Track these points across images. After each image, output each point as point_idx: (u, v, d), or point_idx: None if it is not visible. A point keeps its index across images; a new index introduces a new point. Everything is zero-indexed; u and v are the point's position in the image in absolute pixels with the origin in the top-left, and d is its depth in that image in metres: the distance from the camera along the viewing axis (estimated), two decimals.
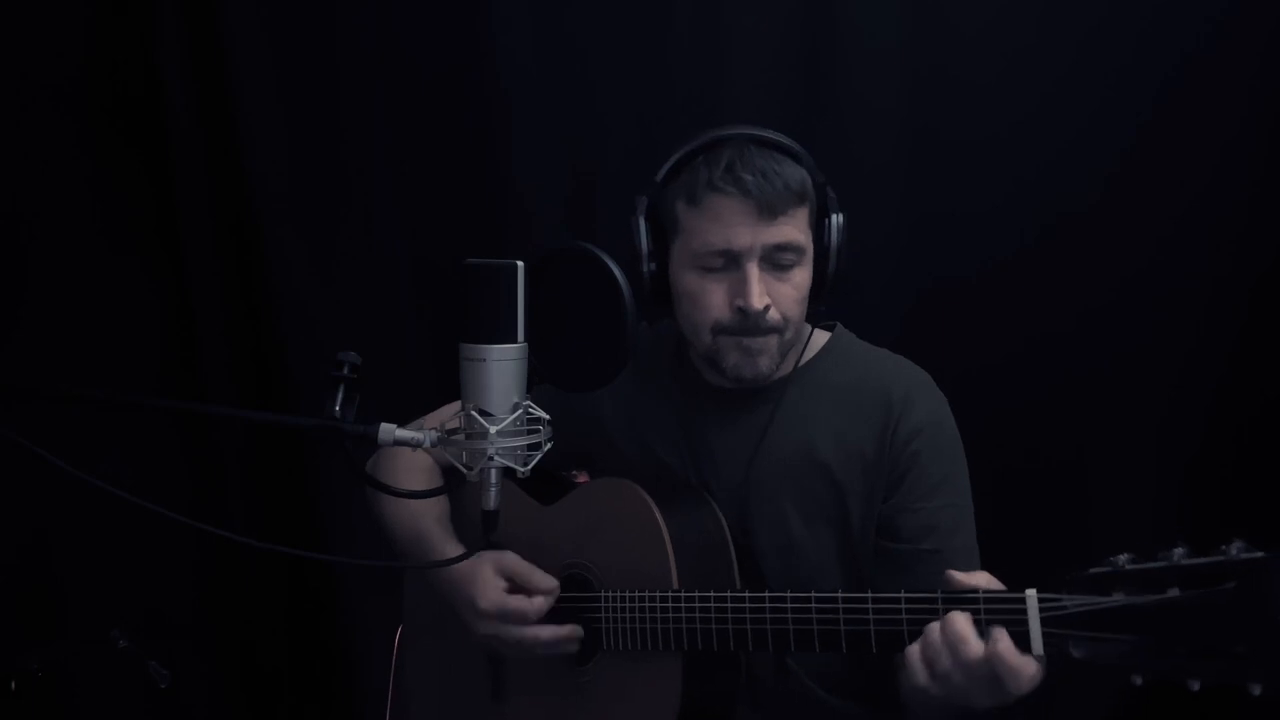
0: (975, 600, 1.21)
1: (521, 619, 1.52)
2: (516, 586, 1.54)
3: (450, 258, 1.32)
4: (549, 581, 1.54)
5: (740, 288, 1.47)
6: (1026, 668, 1.17)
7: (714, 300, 1.49)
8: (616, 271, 1.41)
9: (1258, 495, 1.95)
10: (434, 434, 1.16)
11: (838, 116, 2.10)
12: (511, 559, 1.55)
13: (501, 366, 1.17)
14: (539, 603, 1.52)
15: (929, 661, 1.22)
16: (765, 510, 1.55)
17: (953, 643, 1.20)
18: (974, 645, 1.19)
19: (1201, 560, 1.07)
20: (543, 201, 2.25)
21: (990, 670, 1.18)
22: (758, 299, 1.46)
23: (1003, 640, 1.18)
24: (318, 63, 2.27)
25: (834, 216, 1.52)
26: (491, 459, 1.16)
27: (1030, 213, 2.04)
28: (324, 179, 2.31)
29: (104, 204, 2.32)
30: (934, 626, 1.22)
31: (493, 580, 1.54)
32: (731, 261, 1.47)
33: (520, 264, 1.18)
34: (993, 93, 2.04)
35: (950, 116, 2.07)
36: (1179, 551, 1.08)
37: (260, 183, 2.27)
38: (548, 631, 1.52)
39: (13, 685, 1.99)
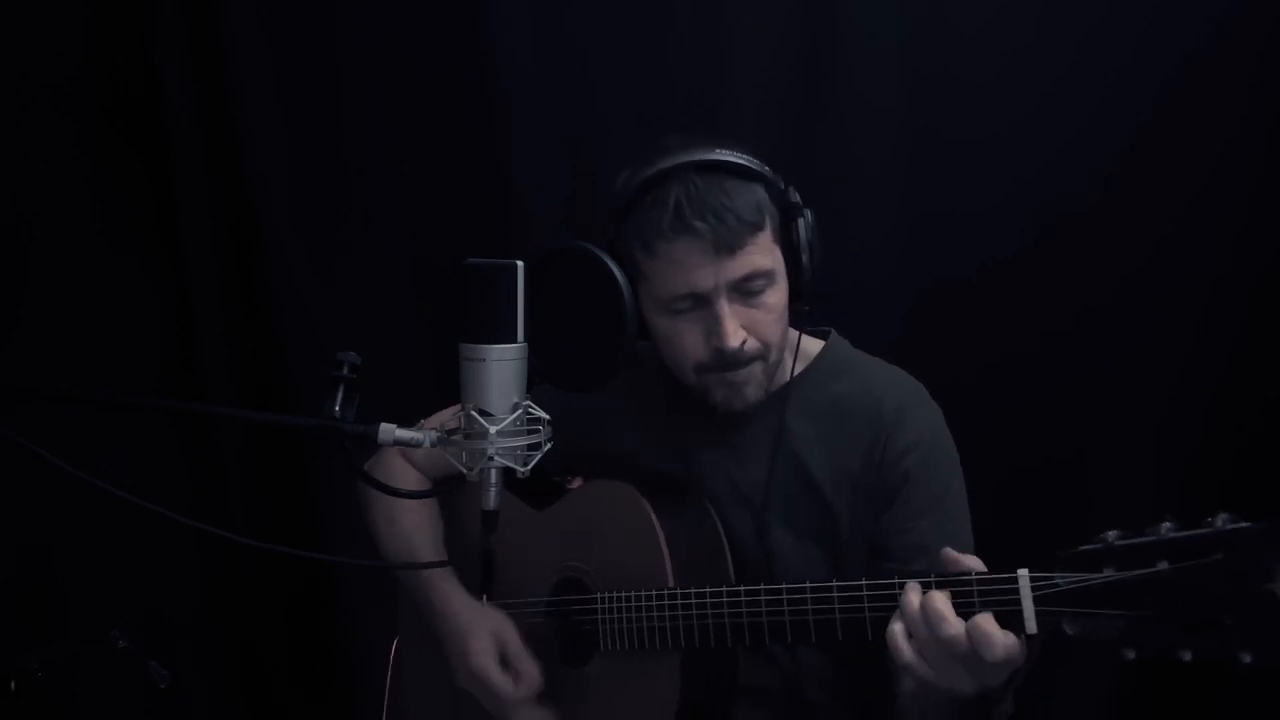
0: (968, 581, 1.21)
1: (500, 698, 1.55)
2: (505, 658, 1.57)
3: (450, 258, 1.32)
4: (533, 672, 1.55)
5: (714, 328, 1.44)
6: (1003, 637, 1.16)
7: (689, 342, 1.47)
8: (616, 272, 1.42)
9: (1258, 496, 1.95)
10: (434, 434, 1.16)
11: (838, 116, 2.10)
12: (511, 633, 1.57)
13: (501, 366, 1.17)
14: (520, 691, 1.55)
15: (913, 631, 1.21)
16: (754, 526, 1.54)
17: (933, 621, 1.19)
18: (953, 623, 1.18)
19: (1189, 533, 1.08)
20: (543, 201, 2.24)
21: (969, 646, 1.17)
22: (733, 338, 1.43)
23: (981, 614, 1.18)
24: (318, 63, 2.27)
25: (800, 219, 1.48)
26: (491, 459, 1.16)
27: (1030, 213, 2.04)
28: (324, 179, 2.31)
29: (104, 204, 2.32)
30: (913, 599, 1.21)
31: (488, 643, 1.56)
32: (699, 302, 1.44)
33: (520, 264, 1.18)
34: (993, 93, 2.04)
35: (950, 116, 2.07)
36: (1167, 525, 1.09)
37: (260, 183, 2.27)
38: (523, 718, 1.55)
39: (13, 685, 1.99)
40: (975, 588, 1.20)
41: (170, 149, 2.27)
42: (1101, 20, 1.99)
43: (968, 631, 1.18)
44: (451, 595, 1.61)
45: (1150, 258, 2.01)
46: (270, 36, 2.24)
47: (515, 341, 1.18)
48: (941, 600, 1.20)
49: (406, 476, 1.73)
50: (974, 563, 1.25)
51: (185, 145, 2.27)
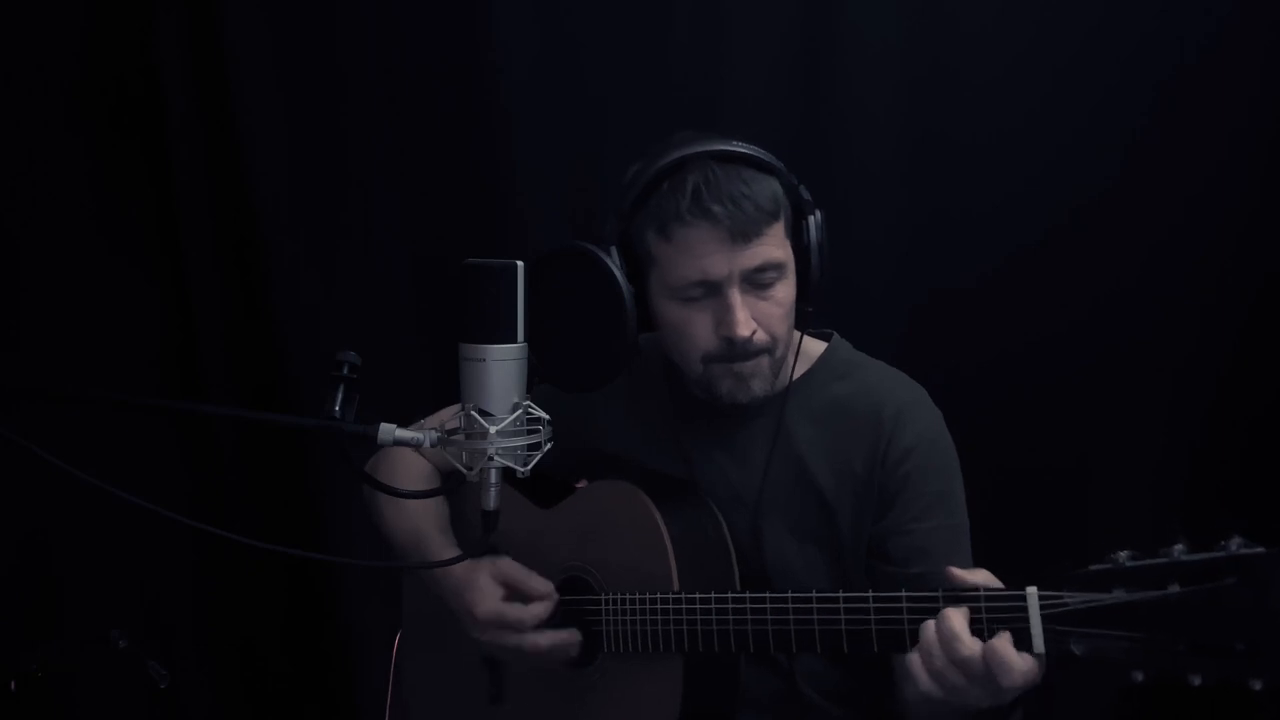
0: (976, 598, 1.21)
1: (519, 626, 1.50)
2: (513, 592, 1.53)
3: (450, 258, 1.32)
4: (545, 586, 1.52)
5: (724, 316, 1.43)
6: (1022, 662, 1.16)
7: (699, 331, 1.46)
8: (616, 271, 1.42)
9: (1260, 497, 1.95)
10: (434, 434, 1.16)
11: (838, 117, 2.10)
12: (507, 564, 1.54)
13: (501, 366, 1.17)
14: (536, 610, 1.51)
15: (925, 658, 1.21)
16: (757, 528, 1.53)
17: (946, 640, 1.19)
18: (968, 643, 1.18)
19: (1201, 556, 1.07)
20: (543, 201, 2.24)
21: (985, 668, 1.17)
22: (744, 327, 1.43)
23: (998, 636, 1.17)
24: (318, 62, 2.27)
25: (810, 218, 1.47)
26: (491, 459, 1.16)
27: (1033, 211, 2.04)
28: (324, 179, 2.31)
29: (104, 204, 2.32)
30: (929, 624, 1.22)
31: (489, 587, 1.53)
32: (711, 290, 1.44)
33: (520, 264, 1.18)
34: (994, 92, 2.04)
35: (951, 116, 2.06)
36: (1179, 548, 1.08)
37: (260, 183, 2.27)
38: (546, 638, 1.51)
39: (13, 685, 1.99)
40: (984, 605, 1.20)
41: (170, 149, 2.27)
42: (1102, 20, 1.99)
43: (984, 656, 1.17)
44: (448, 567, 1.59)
45: (1154, 256, 2.01)
46: (270, 36, 2.24)
47: (515, 341, 1.18)
48: (958, 619, 1.19)
49: (415, 465, 1.73)
50: (983, 577, 1.24)
51: (185, 145, 2.27)
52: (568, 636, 1.51)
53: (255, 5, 2.23)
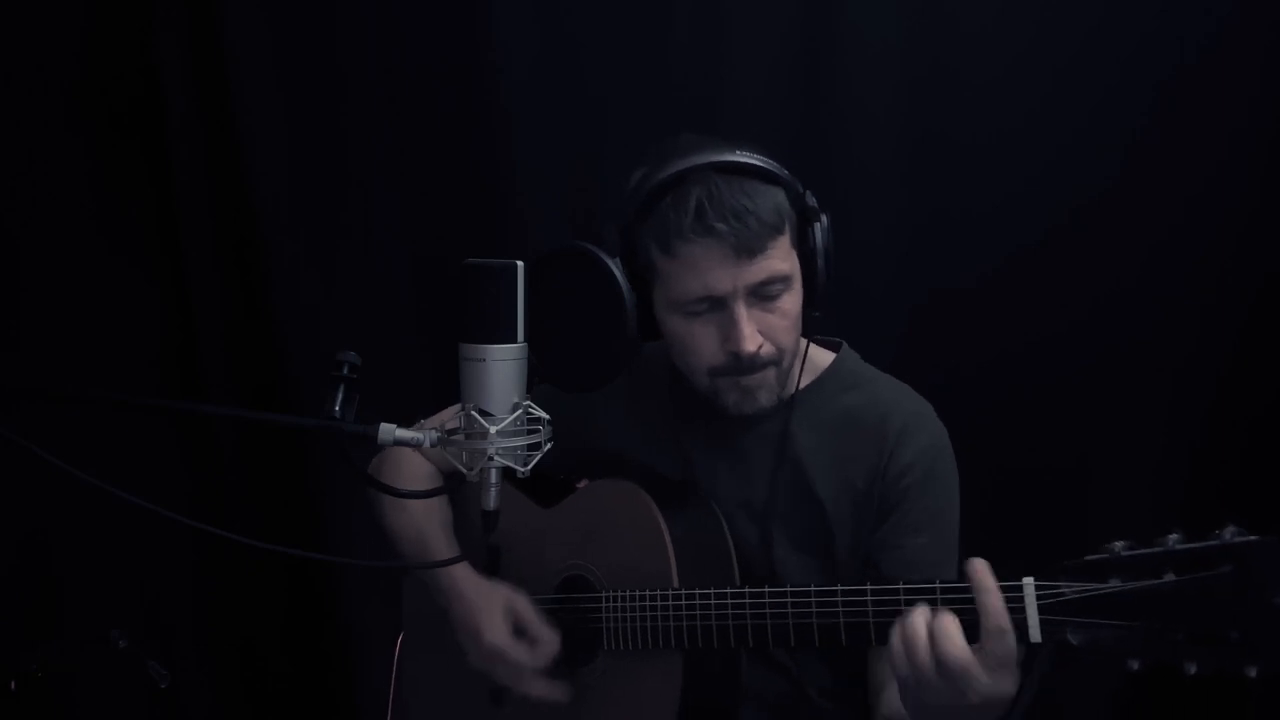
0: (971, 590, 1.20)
1: (518, 668, 1.53)
2: (520, 631, 1.54)
3: (450, 258, 1.32)
4: (550, 637, 1.53)
5: (730, 331, 1.42)
6: (957, 632, 1.14)
7: (704, 346, 1.45)
8: (617, 272, 1.42)
9: (1260, 497, 1.95)
10: (434, 434, 1.16)
11: (838, 117, 2.10)
12: (522, 604, 1.55)
13: (501, 366, 1.17)
14: (538, 656, 1.52)
15: (910, 652, 1.18)
16: (756, 531, 1.53)
17: (909, 642, 1.17)
18: (957, 641, 1.15)
19: (1196, 545, 1.07)
20: (543, 201, 2.24)
21: (960, 668, 1.14)
22: (750, 342, 1.42)
23: (948, 641, 1.15)
24: (318, 62, 2.27)
25: (817, 224, 1.46)
26: (491, 459, 1.16)
27: (1033, 211, 2.03)
28: (324, 179, 2.31)
29: (104, 204, 2.32)
30: (895, 627, 1.19)
31: (500, 619, 1.54)
32: (716, 305, 1.42)
33: (520, 264, 1.18)
34: (994, 92, 2.04)
35: (951, 116, 2.06)
36: (1174, 537, 1.09)
37: (260, 183, 2.27)
38: (540, 688, 1.53)
39: (13, 685, 1.99)
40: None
41: (170, 149, 2.27)
42: (1102, 20, 1.99)
43: (929, 628, 1.16)
44: (460, 576, 1.59)
45: (1154, 256, 2.01)
46: (270, 36, 2.24)
47: (515, 341, 1.18)
48: (950, 622, 1.17)
49: (417, 466, 1.72)
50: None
51: (185, 145, 2.27)
52: (560, 692, 1.53)
53: (255, 5, 2.23)
